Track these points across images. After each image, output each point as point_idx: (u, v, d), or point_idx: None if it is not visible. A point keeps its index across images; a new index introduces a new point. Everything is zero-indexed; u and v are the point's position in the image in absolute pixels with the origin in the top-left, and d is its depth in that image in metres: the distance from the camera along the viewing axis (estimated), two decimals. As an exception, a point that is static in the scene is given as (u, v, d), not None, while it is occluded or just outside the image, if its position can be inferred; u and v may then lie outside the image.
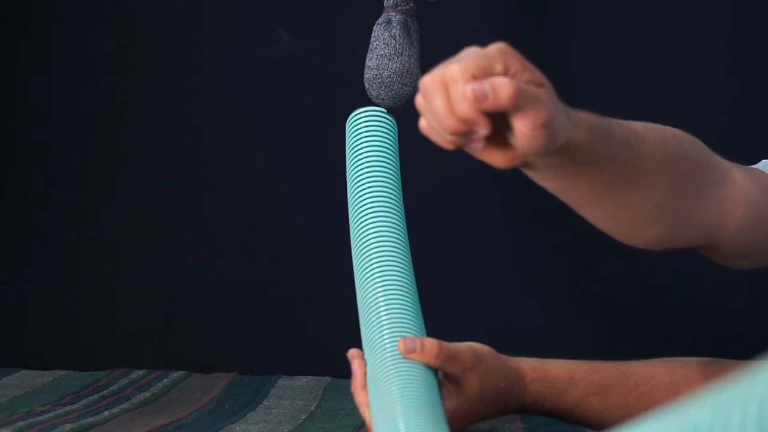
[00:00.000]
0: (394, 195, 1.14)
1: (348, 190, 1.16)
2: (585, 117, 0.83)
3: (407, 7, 1.30)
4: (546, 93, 0.77)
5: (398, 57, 1.27)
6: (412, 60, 1.28)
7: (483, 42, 0.79)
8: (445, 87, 0.75)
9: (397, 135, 1.21)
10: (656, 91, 1.69)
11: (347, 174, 1.17)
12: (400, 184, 1.17)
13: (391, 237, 1.10)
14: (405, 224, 1.14)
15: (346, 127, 1.20)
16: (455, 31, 1.67)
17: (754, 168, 1.06)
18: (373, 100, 1.29)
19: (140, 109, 1.80)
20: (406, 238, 1.13)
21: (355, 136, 1.18)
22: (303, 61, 1.75)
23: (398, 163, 1.18)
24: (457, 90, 0.74)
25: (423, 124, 0.78)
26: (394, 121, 1.21)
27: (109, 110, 1.81)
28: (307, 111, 1.75)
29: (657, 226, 0.94)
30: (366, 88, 1.29)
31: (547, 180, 0.87)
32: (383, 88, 1.26)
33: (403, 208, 1.15)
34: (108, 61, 1.81)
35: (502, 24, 1.72)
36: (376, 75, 1.27)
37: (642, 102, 1.69)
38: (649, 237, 0.95)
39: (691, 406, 0.43)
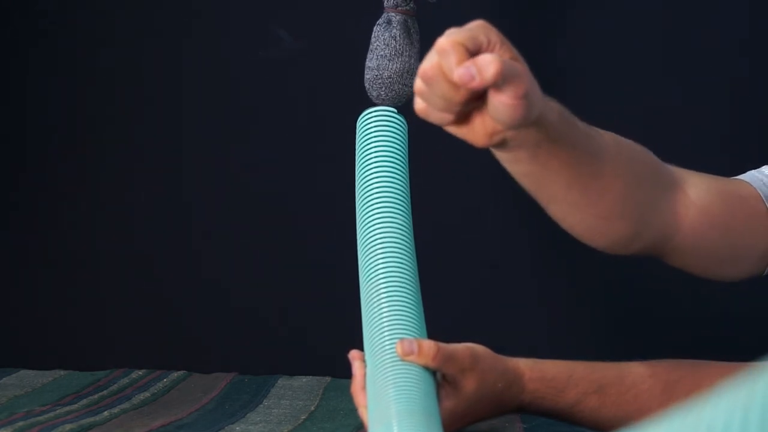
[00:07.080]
0: (402, 196, 1.14)
1: (356, 190, 1.16)
2: (551, 100, 0.89)
3: (407, 8, 1.30)
4: (523, 66, 0.82)
5: (398, 57, 1.27)
6: (412, 60, 1.28)
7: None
8: (443, 71, 0.80)
9: (407, 136, 1.20)
10: (653, 92, 1.69)
11: (356, 174, 1.17)
12: (408, 185, 1.16)
13: (397, 239, 1.10)
14: (411, 226, 1.13)
15: (357, 126, 1.20)
16: (455, 31, 1.67)
17: (731, 179, 1.08)
18: (374, 100, 1.28)
19: (139, 110, 1.80)
20: (412, 240, 1.12)
21: (364, 136, 1.18)
22: (303, 61, 1.75)
23: (407, 164, 1.18)
24: (450, 61, 0.79)
25: (421, 106, 0.83)
26: (405, 122, 1.20)
27: (107, 111, 1.81)
28: (307, 111, 1.75)
29: (620, 221, 0.99)
30: (366, 89, 1.29)
31: (520, 163, 0.92)
32: (383, 88, 1.26)
33: (410, 210, 1.14)
34: (107, 61, 1.81)
35: (501, 24, 1.71)
36: (376, 75, 1.26)
37: (639, 103, 1.69)
38: (614, 234, 1.00)
39: (694, 409, 0.43)
